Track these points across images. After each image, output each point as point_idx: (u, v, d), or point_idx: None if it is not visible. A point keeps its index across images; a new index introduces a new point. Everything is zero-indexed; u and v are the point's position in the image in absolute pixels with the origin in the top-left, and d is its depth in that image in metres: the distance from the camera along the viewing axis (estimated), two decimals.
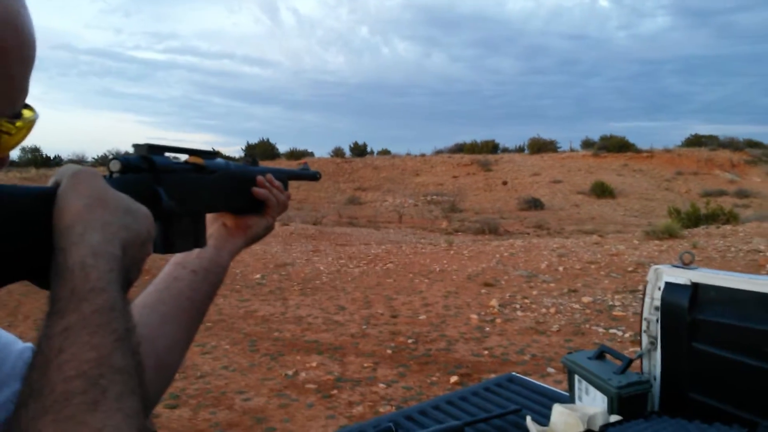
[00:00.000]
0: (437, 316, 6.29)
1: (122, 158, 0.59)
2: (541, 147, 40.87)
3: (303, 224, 17.10)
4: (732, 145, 36.98)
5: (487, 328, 5.76)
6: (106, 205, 0.49)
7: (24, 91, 0.48)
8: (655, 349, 1.36)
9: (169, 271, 0.76)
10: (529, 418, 1.26)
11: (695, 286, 1.28)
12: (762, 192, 28.00)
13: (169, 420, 3.74)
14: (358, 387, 4.32)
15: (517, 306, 6.60)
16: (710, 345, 1.24)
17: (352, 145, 43.99)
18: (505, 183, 32.77)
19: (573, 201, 27.93)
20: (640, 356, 1.40)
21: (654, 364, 1.37)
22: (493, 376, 2.53)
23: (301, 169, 1.01)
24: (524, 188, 31.11)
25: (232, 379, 4.48)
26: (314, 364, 4.78)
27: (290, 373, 4.59)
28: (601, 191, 28.53)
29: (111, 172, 0.58)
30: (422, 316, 6.26)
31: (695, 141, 39.57)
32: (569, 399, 1.43)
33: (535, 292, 7.22)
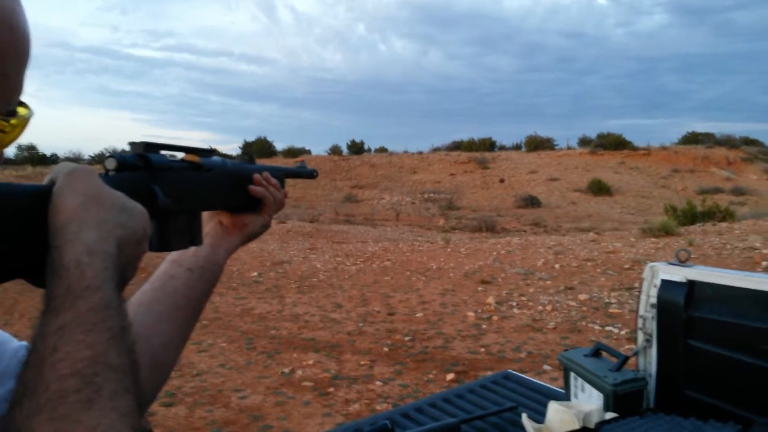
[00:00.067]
0: (434, 313, 6.30)
1: (118, 156, 0.59)
2: (538, 145, 40.91)
3: (300, 222, 17.09)
4: (728, 142, 37.08)
5: (484, 326, 5.77)
6: (102, 203, 0.49)
7: (19, 88, 0.48)
8: (651, 346, 1.37)
9: (165, 269, 0.76)
10: (525, 416, 1.26)
11: (691, 284, 1.29)
12: (758, 189, 28.08)
13: (165, 418, 3.74)
14: (354, 385, 4.32)
15: (514, 303, 6.61)
16: (706, 342, 1.25)
17: (349, 143, 43.99)
18: (502, 181, 32.79)
19: (570, 198, 27.96)
20: (636, 353, 1.40)
21: (650, 362, 1.37)
22: (489, 373, 2.54)
23: (298, 167, 1.01)
24: (521, 186, 31.14)
25: (229, 377, 4.48)
26: (311, 362, 4.78)
27: (287, 370, 4.59)
28: (598, 189, 28.58)
29: (107, 170, 0.58)
30: (419, 314, 6.27)
31: (692, 138, 39.66)
32: (565, 396, 1.43)
33: (531, 290, 7.23)
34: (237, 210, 0.81)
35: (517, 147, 43.15)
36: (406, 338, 5.42)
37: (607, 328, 5.56)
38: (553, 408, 1.21)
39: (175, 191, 0.64)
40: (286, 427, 3.63)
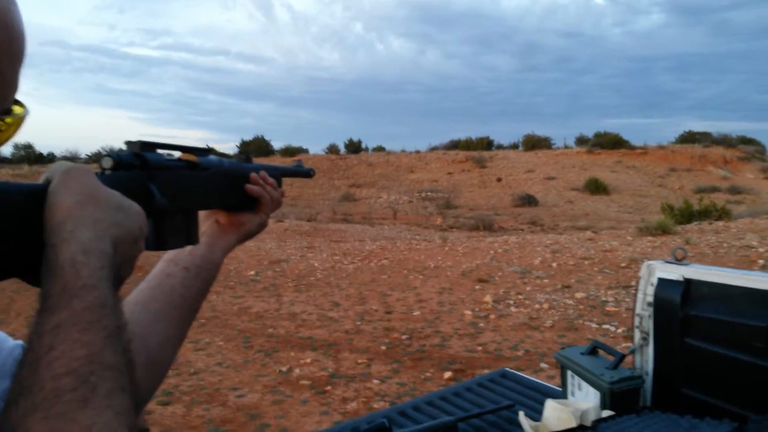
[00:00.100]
0: (431, 312, 6.30)
1: (114, 155, 0.58)
2: (535, 144, 40.98)
3: (297, 221, 17.08)
4: (725, 141, 37.19)
5: (481, 324, 5.77)
6: (98, 202, 0.48)
7: (13, 87, 0.47)
8: (648, 344, 1.37)
9: (161, 268, 0.75)
10: (521, 414, 1.26)
11: (688, 282, 1.29)
12: (754, 188, 28.17)
13: (163, 416, 3.74)
14: (352, 383, 4.32)
15: (511, 302, 6.62)
16: (702, 340, 1.25)
17: (346, 142, 44.00)
18: (499, 180, 32.82)
19: (567, 197, 28.00)
20: (633, 352, 1.40)
21: (646, 360, 1.38)
22: (486, 371, 2.54)
23: (295, 166, 1.01)
24: (518, 185, 31.18)
25: (226, 376, 4.48)
26: (308, 361, 4.78)
27: (284, 369, 4.59)
28: (595, 188, 28.64)
29: (103, 169, 0.57)
30: (416, 313, 6.27)
31: (689, 138, 39.77)
32: (562, 394, 1.43)
33: (528, 288, 7.24)
34: (234, 209, 0.81)
35: (515, 146, 43.24)
36: (404, 337, 5.42)
37: (604, 327, 5.57)
38: (550, 406, 1.21)
39: (171, 190, 0.64)
40: (283, 426, 3.63)
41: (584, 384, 1.33)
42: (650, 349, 1.36)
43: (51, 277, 0.43)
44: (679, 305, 1.28)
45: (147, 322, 0.69)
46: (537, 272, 8.15)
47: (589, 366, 1.34)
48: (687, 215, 13.89)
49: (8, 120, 0.48)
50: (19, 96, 0.49)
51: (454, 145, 42.57)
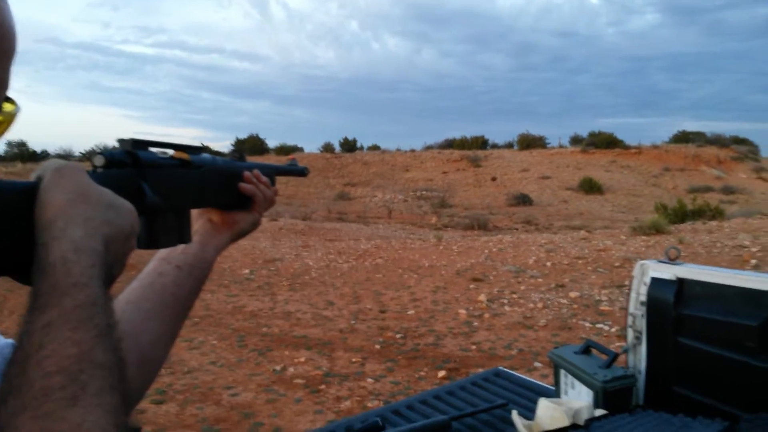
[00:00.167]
0: (426, 311, 6.31)
1: (106, 153, 0.58)
2: (530, 143, 41.07)
3: (292, 219, 17.06)
4: (719, 141, 37.40)
5: (475, 323, 5.78)
6: (89, 200, 0.48)
7: (3, 84, 0.47)
8: (641, 343, 1.38)
9: (153, 266, 0.75)
10: (515, 413, 1.26)
11: (681, 282, 1.29)
12: (748, 188, 28.33)
13: (156, 415, 3.73)
14: (346, 382, 4.32)
15: (505, 301, 6.63)
16: (695, 340, 1.26)
17: (341, 141, 43.99)
18: (494, 179, 32.87)
19: (561, 197, 28.07)
20: (626, 351, 1.41)
21: (639, 359, 1.38)
22: (480, 370, 2.55)
23: (289, 165, 1.00)
24: (513, 184, 31.23)
25: (220, 375, 4.47)
26: (302, 359, 4.78)
27: (278, 368, 4.59)
28: (589, 187, 28.73)
29: (95, 167, 0.57)
30: (411, 311, 6.28)
31: (682, 137, 39.97)
32: (555, 393, 1.44)
33: (523, 288, 7.26)
34: (227, 207, 0.81)
35: (510, 145, 43.34)
36: (398, 335, 5.42)
37: (598, 326, 5.59)
38: (543, 405, 1.21)
39: (164, 188, 0.64)
40: (277, 425, 3.62)
41: (577, 383, 1.34)
42: (643, 348, 1.37)
43: (42, 275, 0.43)
44: (672, 304, 1.29)
45: (139, 320, 0.69)
46: (531, 271, 8.17)
47: (582, 365, 1.34)
48: (680, 215, 13.96)
49: None
50: (11, 93, 0.49)
51: (449, 144, 42.64)
